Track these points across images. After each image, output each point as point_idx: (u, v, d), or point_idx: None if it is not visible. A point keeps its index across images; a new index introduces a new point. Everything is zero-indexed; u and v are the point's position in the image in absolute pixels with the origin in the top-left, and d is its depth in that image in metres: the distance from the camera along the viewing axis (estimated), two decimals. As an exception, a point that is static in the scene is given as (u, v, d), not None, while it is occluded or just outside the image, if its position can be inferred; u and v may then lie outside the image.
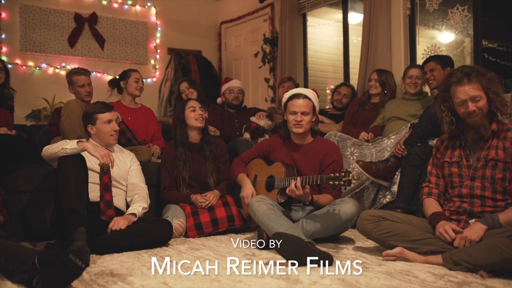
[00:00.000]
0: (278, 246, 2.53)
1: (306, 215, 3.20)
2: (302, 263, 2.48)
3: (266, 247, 2.96)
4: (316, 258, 2.48)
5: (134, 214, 3.15)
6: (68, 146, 2.97)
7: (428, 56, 4.51)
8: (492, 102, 2.56)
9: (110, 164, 3.03)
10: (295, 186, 2.96)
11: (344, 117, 4.75)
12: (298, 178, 2.99)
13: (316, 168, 3.33)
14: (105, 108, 3.35)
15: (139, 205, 3.23)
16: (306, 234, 2.97)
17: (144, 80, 6.81)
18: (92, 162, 3.19)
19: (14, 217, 3.26)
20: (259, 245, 2.99)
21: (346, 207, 3.02)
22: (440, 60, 4.13)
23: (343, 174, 2.75)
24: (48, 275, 2.07)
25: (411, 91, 4.29)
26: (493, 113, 2.62)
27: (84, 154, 3.05)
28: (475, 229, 2.46)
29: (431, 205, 2.77)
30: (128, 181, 3.41)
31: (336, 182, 2.77)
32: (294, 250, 2.51)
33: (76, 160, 2.98)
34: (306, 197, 3.04)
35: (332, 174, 2.80)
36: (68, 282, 2.09)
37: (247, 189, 3.41)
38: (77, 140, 3.06)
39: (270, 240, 2.57)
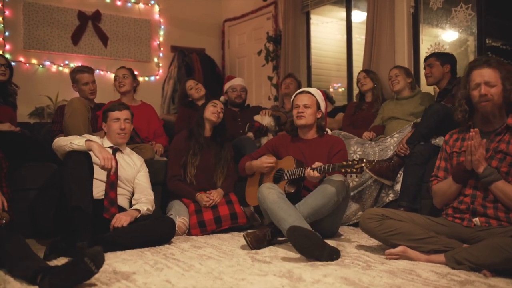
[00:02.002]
0: (293, 239, 2.59)
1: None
2: (315, 257, 2.56)
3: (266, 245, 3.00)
4: (328, 253, 2.59)
5: (138, 210, 3.16)
6: (76, 142, 2.97)
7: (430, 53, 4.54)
8: (507, 93, 2.56)
9: (111, 170, 3.01)
10: (310, 175, 3.07)
11: (343, 120, 4.79)
12: (314, 167, 3.07)
13: (324, 159, 3.39)
14: (117, 107, 3.45)
15: (144, 205, 3.24)
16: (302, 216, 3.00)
17: (147, 78, 6.91)
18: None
19: (21, 214, 3.28)
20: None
21: (332, 178, 3.09)
22: (441, 56, 4.14)
23: (355, 162, 2.82)
24: (58, 272, 2.08)
25: (393, 88, 4.40)
26: (509, 106, 2.61)
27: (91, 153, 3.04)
28: (483, 158, 2.52)
29: (445, 180, 2.77)
30: (135, 185, 3.42)
31: (349, 170, 2.84)
32: (309, 245, 2.57)
33: (82, 157, 2.98)
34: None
35: (344, 162, 2.88)
36: (77, 283, 2.10)
37: (260, 159, 3.55)
38: (87, 138, 3.05)
39: (288, 235, 2.63)
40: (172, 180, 3.79)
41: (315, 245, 2.59)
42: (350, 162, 2.84)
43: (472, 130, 2.53)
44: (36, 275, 2.13)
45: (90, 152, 3.02)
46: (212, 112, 3.89)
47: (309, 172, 3.08)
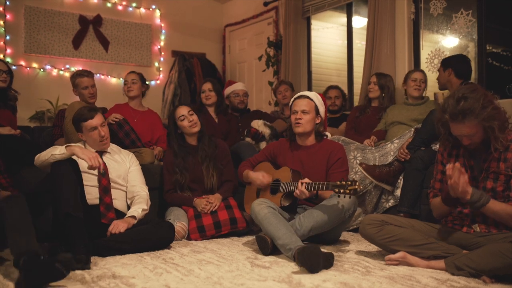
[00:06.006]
0: (306, 262, 2.52)
1: (303, 212, 3.19)
2: (316, 269, 2.50)
3: (270, 253, 2.96)
4: (323, 261, 2.55)
5: (133, 217, 3.16)
6: (57, 152, 2.98)
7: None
8: (488, 132, 2.44)
9: (100, 167, 3.03)
10: (300, 191, 3.02)
11: (346, 124, 4.78)
12: (303, 182, 3.02)
13: (322, 167, 3.37)
14: (88, 114, 3.27)
15: (139, 207, 3.23)
16: (305, 230, 2.97)
17: (148, 82, 6.90)
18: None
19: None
20: (263, 254, 2.98)
21: (343, 196, 2.98)
22: (443, 61, 4.11)
23: (349, 182, 2.76)
24: (32, 270, 2.18)
25: (415, 94, 4.30)
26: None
27: (76, 158, 3.04)
28: (466, 185, 2.38)
29: (438, 198, 2.70)
30: (128, 182, 3.41)
31: (342, 190, 2.77)
32: (313, 258, 2.51)
33: (67, 165, 2.99)
34: (311, 195, 3.09)
35: (338, 182, 2.81)
36: (47, 283, 2.22)
37: (256, 174, 3.47)
38: (66, 145, 3.06)
39: (296, 258, 2.58)
40: (168, 194, 3.80)
41: (318, 257, 2.52)
42: (344, 183, 2.78)
43: (448, 167, 2.40)
44: (19, 258, 2.23)
45: (75, 157, 3.03)
46: (189, 126, 3.81)
47: (299, 186, 3.02)
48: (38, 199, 3.50)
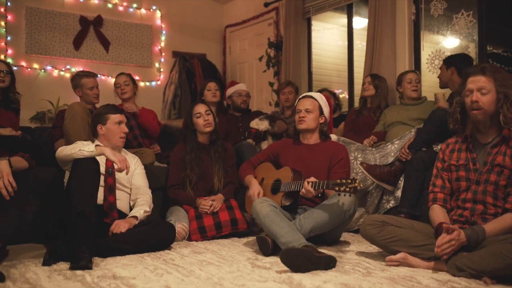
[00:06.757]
0: (287, 262, 2.52)
1: (303, 213, 3.19)
2: (312, 271, 2.51)
3: (271, 253, 2.95)
4: (324, 264, 2.55)
5: (135, 217, 3.16)
6: (86, 148, 2.95)
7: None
8: (499, 102, 2.52)
9: (126, 170, 3.02)
10: (306, 190, 3.01)
11: (344, 126, 4.80)
12: (309, 181, 3.01)
13: (324, 166, 3.38)
14: (116, 110, 3.42)
15: (141, 208, 3.24)
16: (306, 230, 2.96)
17: (148, 83, 6.93)
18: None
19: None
20: (264, 254, 2.97)
21: (343, 196, 2.99)
22: (446, 60, 4.14)
23: (349, 181, 2.77)
24: None
25: (413, 95, 4.34)
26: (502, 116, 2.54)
27: (99, 159, 3.03)
28: (460, 238, 2.43)
29: (438, 214, 2.70)
30: (132, 184, 3.42)
31: (342, 188, 2.78)
32: (301, 262, 2.51)
33: (92, 164, 2.96)
34: (317, 193, 3.09)
35: (338, 180, 2.82)
36: None
37: (254, 187, 3.43)
38: (95, 144, 3.05)
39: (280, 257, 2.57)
40: (172, 189, 3.81)
41: (308, 261, 2.52)
42: (344, 181, 2.79)
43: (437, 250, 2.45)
44: None
45: (99, 158, 3.01)
46: (203, 124, 3.86)
47: (305, 185, 3.01)
48: (40, 200, 3.51)
